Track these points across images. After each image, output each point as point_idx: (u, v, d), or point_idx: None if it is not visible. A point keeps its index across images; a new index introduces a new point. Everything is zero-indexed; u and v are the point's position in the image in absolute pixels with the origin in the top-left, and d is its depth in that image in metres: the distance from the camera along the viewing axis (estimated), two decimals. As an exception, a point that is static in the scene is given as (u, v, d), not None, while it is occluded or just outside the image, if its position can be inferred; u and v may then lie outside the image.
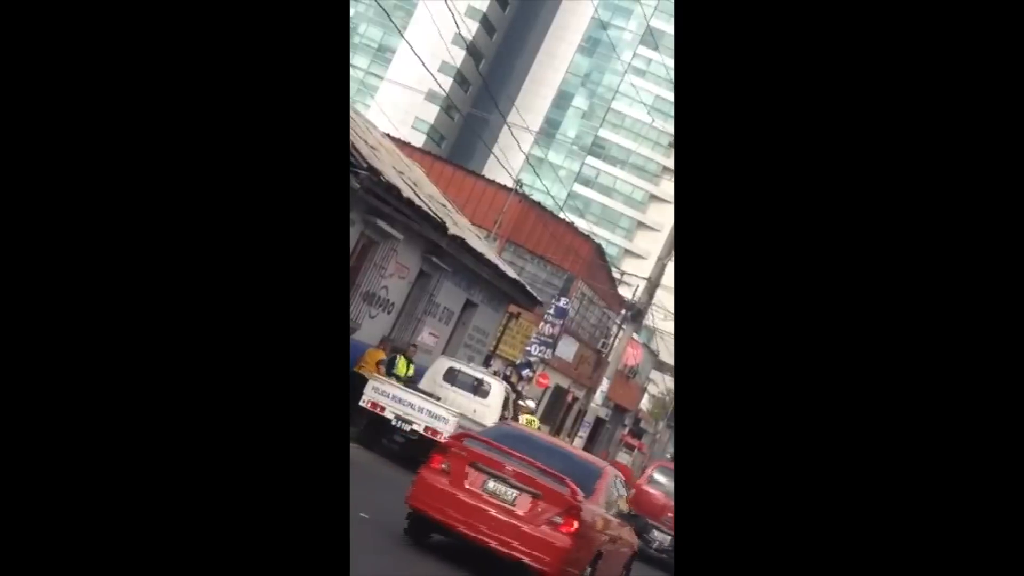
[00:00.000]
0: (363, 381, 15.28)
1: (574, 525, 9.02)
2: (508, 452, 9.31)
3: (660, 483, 17.94)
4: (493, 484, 9.11)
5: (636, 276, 35.72)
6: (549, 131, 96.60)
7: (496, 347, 29.86)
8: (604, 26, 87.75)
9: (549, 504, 9.02)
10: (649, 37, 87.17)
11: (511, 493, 9.09)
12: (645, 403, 53.97)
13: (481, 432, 10.65)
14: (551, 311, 31.88)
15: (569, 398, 39.61)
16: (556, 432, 37.61)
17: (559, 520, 9.00)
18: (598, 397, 24.32)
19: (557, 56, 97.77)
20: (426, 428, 15.08)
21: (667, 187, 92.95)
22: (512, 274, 23.45)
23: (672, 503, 17.54)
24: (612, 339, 38.50)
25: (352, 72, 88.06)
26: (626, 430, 49.37)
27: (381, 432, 15.36)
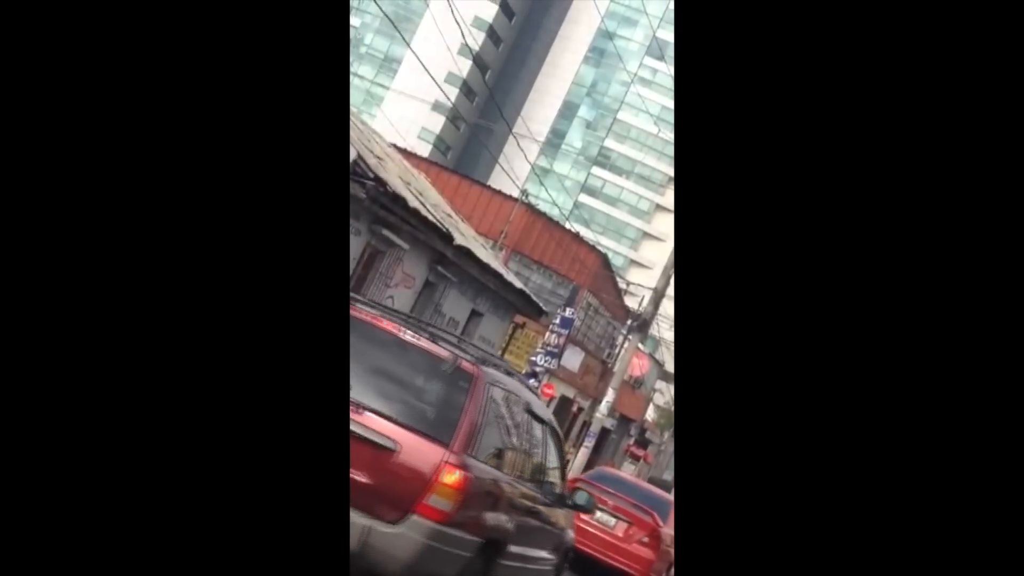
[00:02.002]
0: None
1: (656, 544, 12.80)
2: (608, 491, 13.07)
3: None
4: (599, 514, 12.68)
5: (642, 286, 35.65)
6: (555, 141, 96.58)
7: (502, 357, 29.73)
8: (610, 36, 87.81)
9: (639, 528, 12.87)
10: (655, 47, 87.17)
11: (612, 521, 12.89)
12: (651, 413, 53.83)
13: (587, 475, 14.77)
14: (557, 321, 31.81)
15: (574, 408, 39.55)
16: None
17: (646, 540, 12.83)
18: (603, 407, 24.28)
19: (562, 66, 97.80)
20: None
21: (673, 197, 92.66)
22: (518, 284, 23.43)
23: None
24: (618, 349, 38.43)
25: (358, 82, 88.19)
26: (631, 440, 49.27)
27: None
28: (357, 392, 5.80)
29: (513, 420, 6.67)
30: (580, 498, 7.63)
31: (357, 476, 5.68)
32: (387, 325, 6.31)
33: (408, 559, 5.74)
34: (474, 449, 6.03)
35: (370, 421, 5.84)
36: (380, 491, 5.75)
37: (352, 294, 6.80)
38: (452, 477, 5.81)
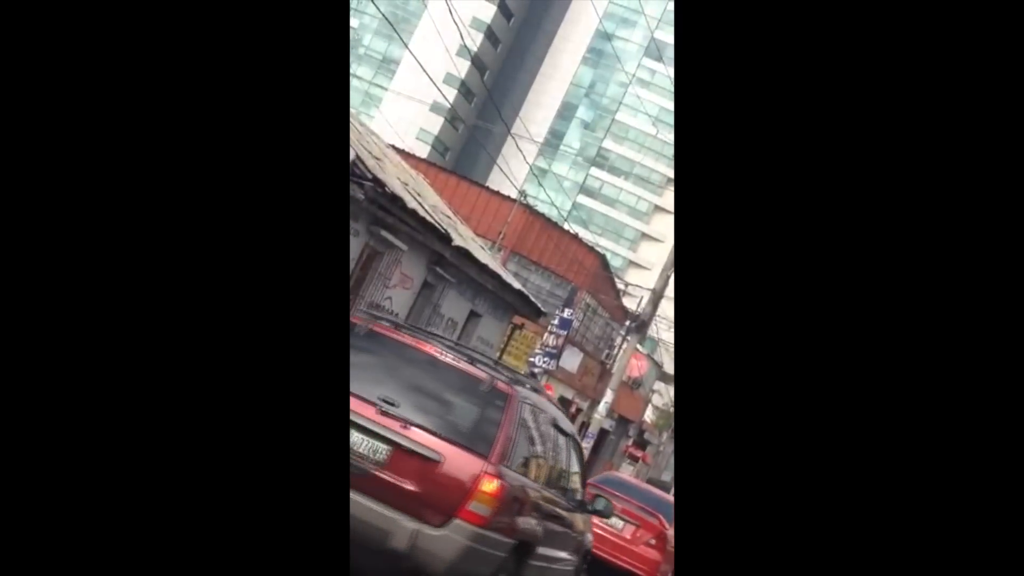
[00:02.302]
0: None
1: (663, 545, 13.36)
2: (615, 495, 13.26)
3: None
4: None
5: (640, 287, 35.63)
6: (553, 142, 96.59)
7: (500, 358, 29.75)
8: (608, 37, 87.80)
9: (646, 531, 13.45)
10: (653, 48, 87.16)
11: (620, 524, 13.46)
12: (649, 414, 53.82)
13: (595, 480, 15.01)
14: (555, 322, 31.81)
15: (573, 409, 39.55)
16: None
17: (653, 542, 13.38)
18: (602, 408, 24.29)
19: (561, 67, 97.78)
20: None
21: (671, 198, 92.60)
22: (516, 285, 23.42)
23: None
24: (616, 350, 38.43)
25: (357, 83, 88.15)
26: (630, 441, 49.27)
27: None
28: (404, 410, 6.74)
29: (541, 433, 7.55)
30: (599, 504, 8.46)
31: (406, 484, 6.58)
32: (429, 349, 7.14)
33: (452, 559, 6.53)
34: (508, 460, 6.85)
35: (416, 435, 6.67)
36: (426, 498, 6.60)
37: (397, 320, 7.87)
38: (490, 486, 6.62)
